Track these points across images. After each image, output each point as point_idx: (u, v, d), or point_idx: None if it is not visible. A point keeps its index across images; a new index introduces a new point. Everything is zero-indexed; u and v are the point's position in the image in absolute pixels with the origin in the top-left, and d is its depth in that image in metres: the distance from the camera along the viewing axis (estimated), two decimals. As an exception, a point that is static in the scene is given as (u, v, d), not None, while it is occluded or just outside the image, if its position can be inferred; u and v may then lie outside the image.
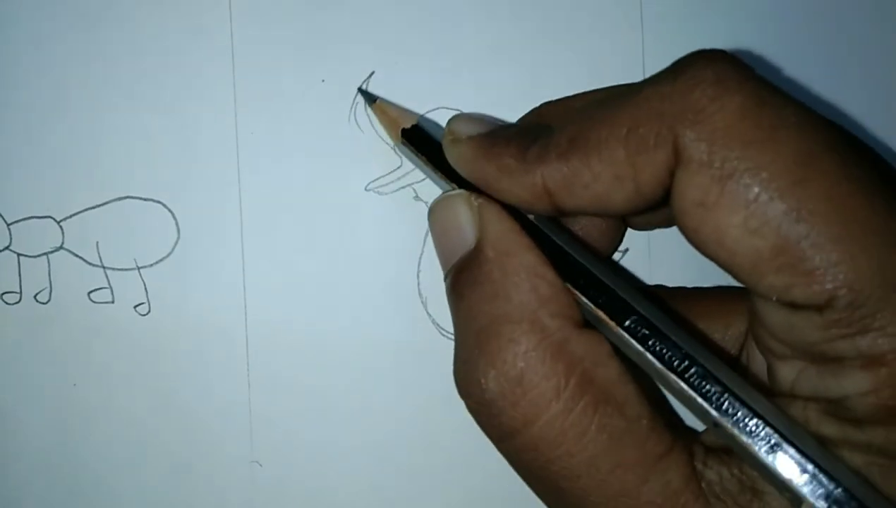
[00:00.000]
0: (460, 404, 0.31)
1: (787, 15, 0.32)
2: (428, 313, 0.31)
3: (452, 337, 0.31)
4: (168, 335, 0.31)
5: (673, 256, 0.31)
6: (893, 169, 0.23)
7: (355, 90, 0.31)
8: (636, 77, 0.31)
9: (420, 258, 0.31)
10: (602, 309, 0.22)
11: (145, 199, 0.31)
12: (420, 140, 0.27)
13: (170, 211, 0.31)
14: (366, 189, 0.31)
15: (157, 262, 0.31)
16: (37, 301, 0.31)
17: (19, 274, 0.30)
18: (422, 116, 0.28)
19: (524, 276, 0.22)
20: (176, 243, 0.31)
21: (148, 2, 0.30)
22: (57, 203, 0.30)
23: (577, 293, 0.23)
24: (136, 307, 0.31)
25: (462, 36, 0.31)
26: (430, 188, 0.31)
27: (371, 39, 0.31)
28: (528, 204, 0.23)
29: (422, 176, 0.31)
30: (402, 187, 0.31)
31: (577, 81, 0.31)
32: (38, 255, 0.30)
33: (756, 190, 0.19)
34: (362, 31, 0.31)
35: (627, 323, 0.22)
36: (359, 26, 0.31)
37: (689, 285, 0.31)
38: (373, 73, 0.31)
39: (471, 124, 0.25)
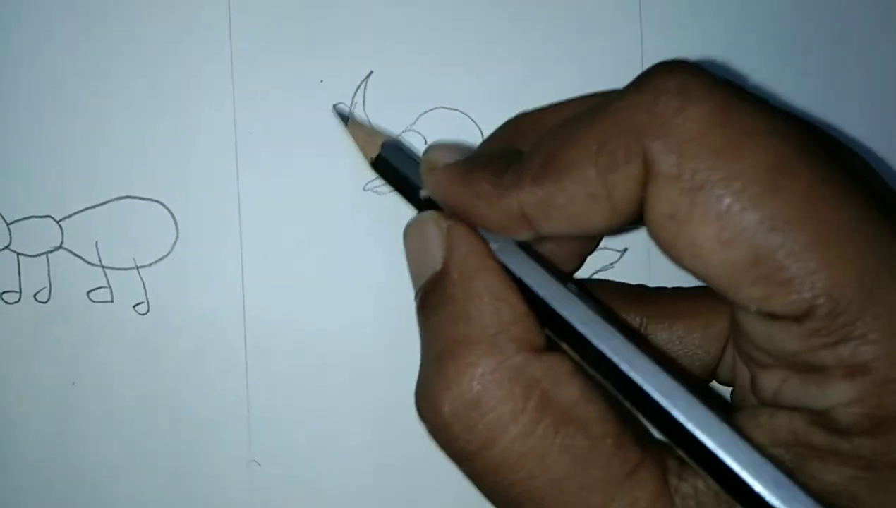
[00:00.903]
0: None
1: (786, 13, 0.32)
2: (426, 312, 0.31)
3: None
4: (167, 334, 0.31)
5: (672, 255, 0.31)
6: (868, 167, 0.23)
7: (354, 90, 0.31)
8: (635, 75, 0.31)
9: (418, 257, 0.31)
10: (564, 340, 0.22)
11: (144, 199, 0.31)
12: (388, 168, 0.27)
13: (169, 210, 0.31)
14: (364, 188, 0.31)
15: (155, 262, 0.31)
16: (36, 300, 0.31)
17: (19, 274, 0.31)
18: (387, 140, 0.28)
19: (486, 299, 0.22)
20: (175, 243, 0.31)
21: (147, 2, 0.30)
22: (56, 202, 0.31)
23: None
24: (135, 306, 0.31)
25: (461, 35, 0.31)
26: (429, 187, 0.31)
27: (370, 39, 0.31)
28: (507, 229, 0.22)
29: (420, 175, 0.31)
30: (401, 187, 0.31)
31: (576, 80, 0.31)
32: (38, 255, 0.31)
33: (727, 200, 0.19)
34: (361, 31, 0.31)
35: (587, 354, 0.22)
36: (357, 26, 0.31)
37: (689, 284, 0.31)
38: (371, 72, 0.31)
39: (447, 152, 0.25)
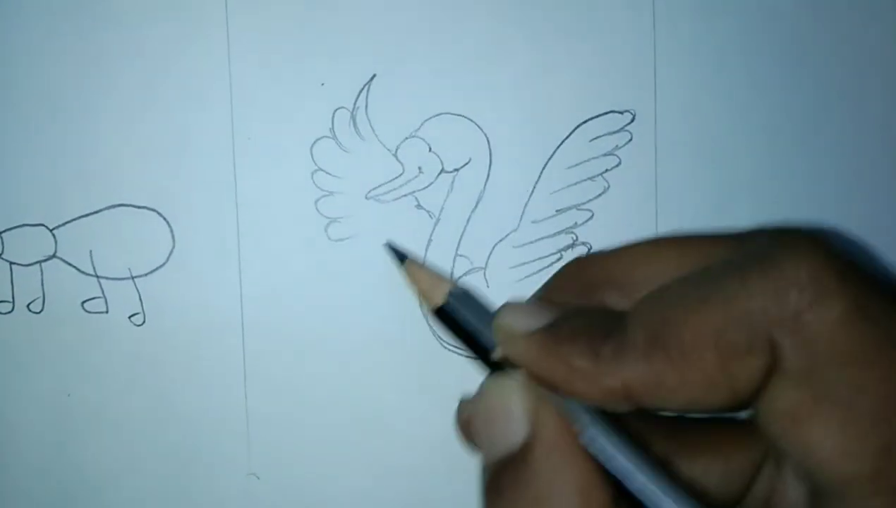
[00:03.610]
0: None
1: (798, 12, 0.31)
2: (430, 325, 0.30)
3: (454, 349, 0.30)
4: (163, 345, 0.30)
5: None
6: None
7: (356, 94, 0.30)
8: (647, 80, 0.30)
9: (421, 268, 0.30)
10: None
11: (139, 207, 0.30)
12: (454, 320, 0.25)
13: (164, 219, 0.30)
14: (366, 197, 0.30)
15: (151, 271, 0.30)
16: (30, 310, 0.30)
17: (12, 283, 0.30)
18: (454, 288, 0.26)
19: (574, 489, 0.20)
20: (171, 252, 0.30)
21: (143, 6, 0.29)
22: (50, 210, 0.30)
23: None
24: (130, 317, 0.30)
25: (467, 38, 0.30)
26: (433, 196, 0.30)
27: (372, 42, 0.30)
28: (606, 404, 0.21)
29: (424, 184, 0.30)
30: (404, 195, 0.30)
31: (583, 84, 0.30)
32: (31, 264, 0.30)
33: (855, 415, 0.18)
34: (363, 34, 0.30)
35: None
36: (359, 28, 0.30)
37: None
38: (374, 76, 0.30)
39: (525, 317, 0.23)
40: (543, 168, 0.30)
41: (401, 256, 0.27)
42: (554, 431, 0.21)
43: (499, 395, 0.22)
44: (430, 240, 0.30)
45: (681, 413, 0.22)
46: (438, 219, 0.30)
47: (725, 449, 0.25)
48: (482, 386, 0.23)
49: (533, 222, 0.31)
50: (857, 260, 0.19)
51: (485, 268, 0.30)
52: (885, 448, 0.18)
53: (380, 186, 0.30)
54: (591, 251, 0.24)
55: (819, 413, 0.18)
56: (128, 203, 0.30)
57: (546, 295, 0.25)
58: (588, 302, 0.24)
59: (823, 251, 0.19)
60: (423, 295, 0.26)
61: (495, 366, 0.24)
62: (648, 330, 0.20)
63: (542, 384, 0.22)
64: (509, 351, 0.23)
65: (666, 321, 0.20)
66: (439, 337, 0.31)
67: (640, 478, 0.21)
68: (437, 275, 0.26)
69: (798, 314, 0.18)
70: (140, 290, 0.30)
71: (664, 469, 0.22)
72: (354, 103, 0.30)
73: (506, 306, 0.23)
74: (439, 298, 0.25)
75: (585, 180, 0.31)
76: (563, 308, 0.23)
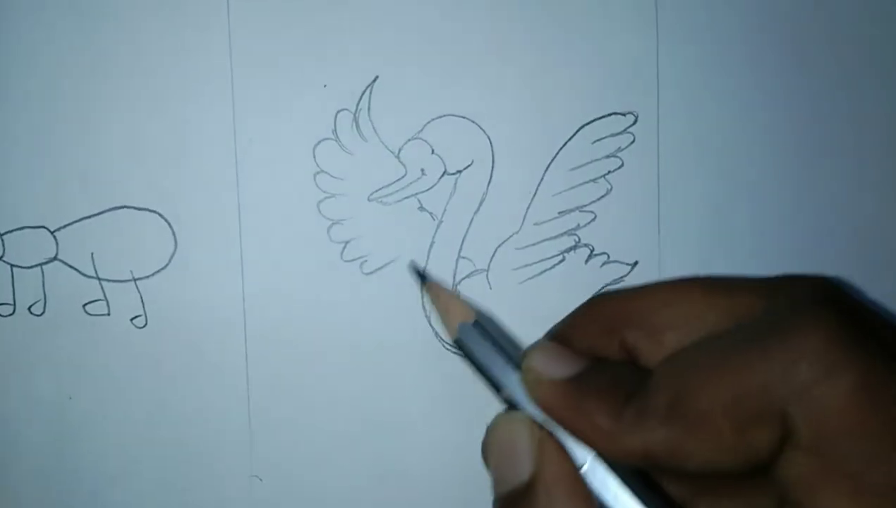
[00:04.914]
0: (464, 418, 0.31)
1: (800, 14, 0.31)
2: (432, 326, 0.30)
3: (455, 351, 0.30)
4: (165, 348, 0.30)
5: (683, 269, 0.30)
6: None
7: (359, 96, 0.30)
8: (649, 82, 0.30)
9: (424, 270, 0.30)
10: None
11: (141, 209, 0.30)
12: (472, 348, 0.25)
13: (166, 221, 0.30)
14: (369, 198, 0.30)
15: (153, 274, 0.30)
16: (31, 313, 0.30)
17: (13, 286, 0.30)
18: (475, 315, 0.26)
19: None
20: (173, 254, 0.30)
21: (144, 9, 0.29)
22: (51, 212, 0.30)
23: None
24: (132, 319, 0.30)
25: (467, 41, 0.30)
26: (436, 198, 0.30)
27: (375, 43, 0.30)
28: (624, 461, 0.22)
29: (427, 186, 0.30)
30: (406, 197, 0.30)
31: (585, 86, 0.30)
32: (32, 266, 0.30)
33: (867, 486, 0.18)
34: (366, 35, 0.30)
35: None
36: (362, 30, 0.30)
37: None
38: (377, 78, 0.30)
39: (552, 363, 0.23)
40: (546, 170, 0.30)
41: (422, 278, 0.27)
42: (557, 468, 0.22)
43: (507, 433, 0.23)
44: (432, 242, 0.30)
45: (698, 472, 0.23)
46: (441, 221, 0.30)
47: (747, 493, 0.25)
48: (492, 423, 0.24)
49: (535, 224, 0.31)
50: (867, 327, 0.19)
51: (487, 270, 0.30)
52: None
53: (382, 188, 0.30)
54: (614, 288, 0.25)
55: (830, 483, 0.19)
56: (129, 205, 0.30)
57: (566, 331, 0.25)
58: (609, 342, 0.24)
59: (834, 321, 0.19)
60: (442, 325, 0.26)
61: (508, 400, 0.24)
62: (669, 395, 0.20)
63: (565, 429, 0.23)
64: (535, 396, 0.23)
65: (685, 386, 0.20)
66: (441, 339, 0.31)
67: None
68: (457, 303, 0.26)
69: (808, 388, 0.19)
70: (142, 293, 0.30)
71: (668, 504, 0.22)
72: (357, 105, 0.30)
73: (533, 348, 0.24)
74: (454, 331, 0.25)
75: (588, 182, 0.31)
76: (588, 359, 0.24)
